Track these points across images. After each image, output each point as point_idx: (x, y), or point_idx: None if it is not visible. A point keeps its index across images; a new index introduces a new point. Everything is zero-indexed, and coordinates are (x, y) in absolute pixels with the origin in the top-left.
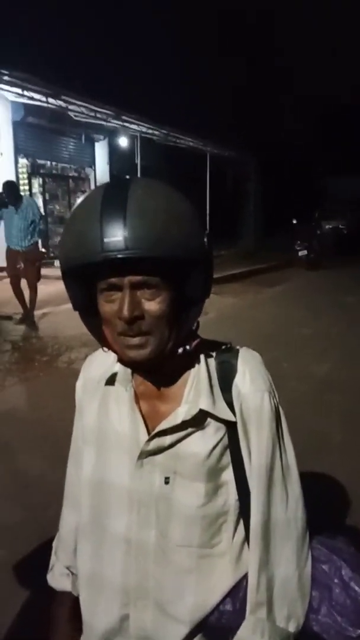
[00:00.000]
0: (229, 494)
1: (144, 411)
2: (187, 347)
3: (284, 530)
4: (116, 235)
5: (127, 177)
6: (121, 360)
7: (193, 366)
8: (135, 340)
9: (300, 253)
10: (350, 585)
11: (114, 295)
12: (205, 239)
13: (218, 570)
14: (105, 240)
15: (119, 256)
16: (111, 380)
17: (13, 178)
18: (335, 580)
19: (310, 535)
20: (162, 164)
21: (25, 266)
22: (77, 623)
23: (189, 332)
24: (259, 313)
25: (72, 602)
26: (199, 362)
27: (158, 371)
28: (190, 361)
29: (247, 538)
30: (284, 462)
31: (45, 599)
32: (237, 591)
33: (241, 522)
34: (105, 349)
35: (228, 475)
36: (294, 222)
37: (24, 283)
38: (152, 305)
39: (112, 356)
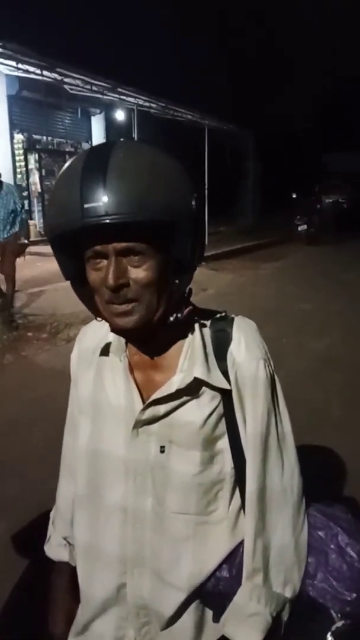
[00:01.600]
0: (225, 462)
1: (139, 381)
2: (179, 315)
3: (279, 498)
4: (96, 200)
5: (112, 141)
6: (112, 329)
7: (187, 335)
8: (122, 308)
9: (300, 228)
10: (346, 550)
11: (101, 263)
12: (194, 202)
13: (214, 538)
14: (85, 206)
15: (99, 222)
16: (105, 351)
17: (9, 154)
18: (332, 546)
19: (307, 502)
20: (159, 137)
21: (2, 259)
22: (75, 593)
23: (181, 300)
24: (258, 289)
25: (70, 573)
26: (193, 330)
27: (151, 340)
28: (184, 330)
29: (243, 505)
30: (280, 430)
31: (43, 570)
32: (234, 558)
33: (237, 489)
34: (99, 319)
35: (223, 443)
36: (294, 196)
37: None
38: (138, 273)
39: (106, 327)
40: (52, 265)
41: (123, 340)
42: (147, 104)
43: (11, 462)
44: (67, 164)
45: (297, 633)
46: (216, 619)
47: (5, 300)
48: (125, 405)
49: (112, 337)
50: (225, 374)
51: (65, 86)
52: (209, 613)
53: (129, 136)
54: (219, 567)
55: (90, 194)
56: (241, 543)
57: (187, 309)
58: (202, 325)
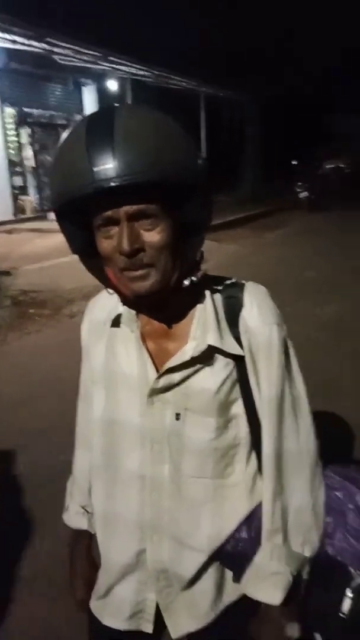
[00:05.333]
0: (240, 427)
1: (151, 350)
2: (193, 278)
3: (296, 460)
4: (106, 163)
5: (112, 105)
6: (125, 299)
7: (199, 302)
8: (138, 273)
9: (301, 195)
10: None
11: (112, 230)
12: (201, 161)
13: (232, 500)
14: (95, 169)
15: (111, 184)
16: (116, 322)
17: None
18: (350, 506)
19: (323, 464)
20: (154, 107)
21: None
22: (94, 559)
23: (193, 264)
24: (260, 258)
25: (89, 540)
26: (204, 297)
27: (164, 308)
28: (195, 297)
29: (259, 468)
30: (294, 393)
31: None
32: (252, 519)
33: (253, 453)
34: (110, 290)
35: (238, 408)
36: (294, 163)
37: None
38: (152, 236)
39: (115, 298)
40: (50, 241)
41: (133, 311)
42: (140, 72)
43: (22, 437)
44: (68, 132)
45: (318, 590)
46: (236, 579)
47: None
48: (139, 375)
49: (122, 308)
50: (237, 340)
51: (55, 56)
52: (229, 574)
53: None
54: (238, 529)
55: (99, 158)
56: (259, 505)
57: (200, 273)
58: (213, 292)
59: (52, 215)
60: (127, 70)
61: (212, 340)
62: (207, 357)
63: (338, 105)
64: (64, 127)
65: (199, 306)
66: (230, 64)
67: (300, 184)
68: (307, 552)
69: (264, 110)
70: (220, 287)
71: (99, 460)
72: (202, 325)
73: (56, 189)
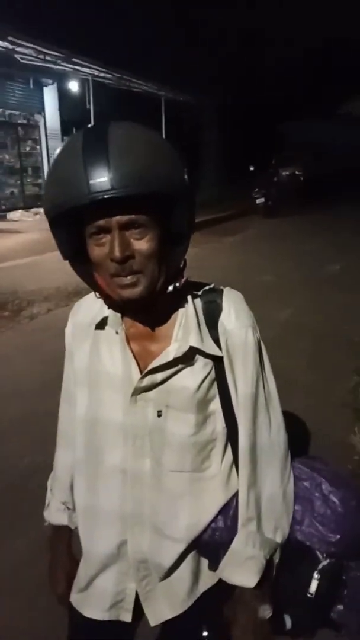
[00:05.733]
0: (217, 423)
1: (135, 351)
2: (177, 284)
3: (268, 453)
4: (101, 176)
5: (106, 122)
6: (111, 303)
7: (181, 306)
8: (128, 279)
9: (258, 201)
10: (329, 497)
11: (104, 238)
12: (186, 175)
13: (209, 492)
14: (91, 182)
15: (106, 196)
16: (101, 325)
17: None
18: (316, 494)
19: (292, 456)
20: (115, 109)
21: None
22: (74, 555)
23: (177, 271)
24: (219, 262)
25: (69, 536)
26: (186, 302)
27: (148, 311)
28: (177, 301)
29: (234, 461)
30: (267, 390)
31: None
32: (228, 509)
33: (229, 447)
34: (97, 294)
35: (215, 405)
36: (252, 169)
37: None
38: (141, 244)
39: (100, 302)
40: (9, 242)
41: (119, 314)
42: (102, 74)
43: None
44: (61, 146)
45: (287, 573)
46: (211, 566)
47: None
48: (123, 375)
49: (108, 311)
50: (216, 341)
51: (17, 55)
52: (205, 562)
53: (83, 107)
54: (215, 519)
55: (95, 171)
56: (234, 496)
57: (183, 279)
58: (194, 297)
59: (11, 215)
60: (89, 72)
61: (194, 341)
62: (188, 357)
63: (291, 114)
64: (24, 126)
65: (180, 310)
66: (189, 70)
67: (257, 189)
68: (278, 538)
69: (223, 116)
70: (200, 293)
71: (81, 456)
72: (184, 327)
73: (52, 199)
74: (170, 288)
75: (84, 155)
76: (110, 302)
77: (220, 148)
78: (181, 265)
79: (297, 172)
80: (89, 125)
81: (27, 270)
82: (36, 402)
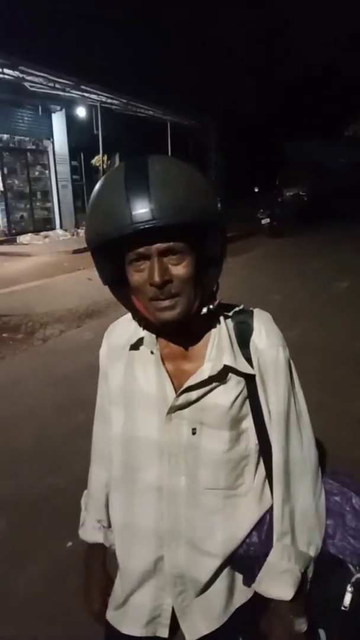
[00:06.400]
0: (250, 439)
1: (169, 371)
2: (211, 306)
3: (301, 468)
4: (143, 207)
5: (144, 156)
6: (148, 325)
7: (213, 327)
8: (166, 303)
9: (263, 221)
10: None
11: (143, 265)
12: (219, 204)
13: (243, 508)
14: (134, 213)
15: (147, 226)
16: (136, 346)
17: None
18: (347, 509)
19: (322, 471)
20: (122, 134)
21: None
22: (109, 572)
23: (211, 293)
24: (227, 282)
25: (104, 553)
26: (219, 322)
27: (183, 332)
28: (210, 322)
29: (267, 477)
30: (297, 407)
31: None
32: (262, 525)
33: (261, 463)
34: (135, 317)
35: (248, 422)
36: (256, 190)
37: None
38: (179, 270)
39: (133, 324)
40: (21, 265)
41: (154, 335)
42: (109, 100)
43: (2, 462)
44: (102, 180)
45: (321, 587)
46: (246, 581)
47: None
48: (158, 393)
49: (143, 332)
50: (248, 360)
51: (26, 83)
52: (239, 577)
53: (91, 133)
54: (249, 534)
55: (137, 203)
56: (267, 511)
57: (217, 302)
58: (226, 318)
59: (21, 239)
60: (97, 98)
61: (228, 360)
62: (221, 376)
63: (292, 135)
64: (33, 151)
65: (213, 330)
66: (193, 92)
67: (262, 210)
68: (312, 552)
69: (226, 138)
70: (231, 314)
71: (118, 474)
72: (217, 347)
73: (95, 230)
74: (205, 310)
75: (126, 188)
76: (147, 324)
77: (224, 170)
78: (214, 289)
79: (301, 193)
80: (128, 160)
81: (39, 292)
82: (50, 424)
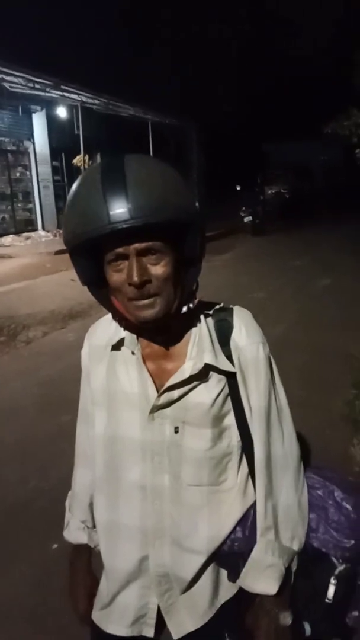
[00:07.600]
0: (232, 436)
1: (151, 370)
2: (190, 305)
3: (282, 463)
4: (120, 207)
5: (121, 155)
6: (128, 325)
7: (194, 325)
8: (145, 302)
9: (245, 219)
10: (342, 504)
11: (121, 265)
12: (197, 203)
13: (227, 504)
14: (111, 212)
15: (125, 226)
16: (117, 346)
17: None
18: (330, 502)
19: (304, 466)
20: (103, 134)
21: None
22: (93, 573)
23: (190, 292)
24: (210, 281)
25: (89, 554)
26: (199, 321)
27: (164, 331)
28: (190, 321)
29: (250, 474)
30: (278, 403)
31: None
32: (245, 520)
33: (244, 460)
34: (115, 317)
35: (230, 420)
36: (238, 188)
37: None
38: (157, 269)
39: (114, 324)
40: (2, 266)
41: (135, 335)
42: (90, 100)
43: None
44: (79, 179)
45: (305, 580)
46: (231, 577)
47: None
48: (140, 393)
49: (124, 333)
50: (229, 358)
51: (5, 84)
52: (224, 573)
53: (72, 133)
54: (234, 530)
55: (115, 203)
56: (251, 507)
57: (196, 300)
58: (206, 316)
59: (2, 240)
60: (77, 98)
61: (209, 359)
62: (203, 374)
63: (273, 133)
64: (14, 152)
65: (193, 329)
66: (177, 93)
67: (244, 208)
68: (295, 546)
69: (207, 137)
70: (211, 312)
71: (101, 474)
72: (198, 346)
73: (73, 230)
74: (185, 309)
75: (103, 187)
76: (127, 324)
77: (206, 168)
78: (194, 287)
79: (282, 190)
80: (105, 159)
81: (22, 294)
82: (34, 426)
